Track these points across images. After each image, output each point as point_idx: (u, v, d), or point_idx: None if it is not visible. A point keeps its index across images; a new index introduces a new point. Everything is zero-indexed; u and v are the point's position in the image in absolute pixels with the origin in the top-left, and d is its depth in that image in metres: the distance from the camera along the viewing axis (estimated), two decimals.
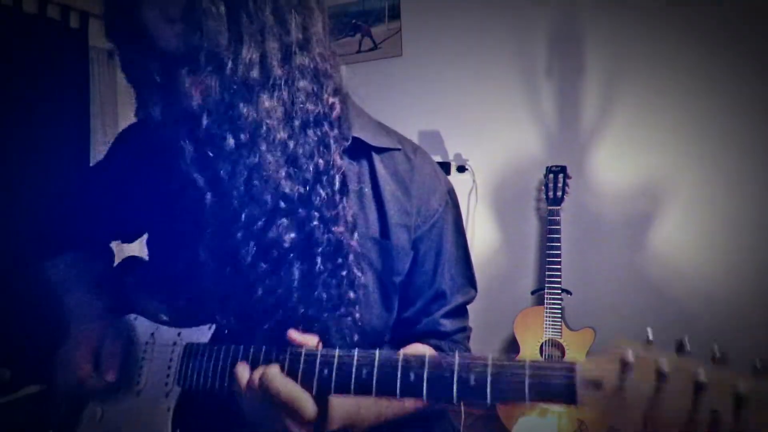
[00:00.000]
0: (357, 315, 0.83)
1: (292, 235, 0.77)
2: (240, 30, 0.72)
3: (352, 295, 0.82)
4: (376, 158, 0.91)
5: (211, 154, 0.74)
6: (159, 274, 0.97)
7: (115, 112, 3.71)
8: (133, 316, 0.96)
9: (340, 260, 0.81)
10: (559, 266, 2.45)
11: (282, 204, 0.76)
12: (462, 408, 2.73)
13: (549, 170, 2.59)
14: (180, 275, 0.85)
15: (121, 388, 0.91)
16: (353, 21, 3.20)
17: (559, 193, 2.54)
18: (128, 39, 0.75)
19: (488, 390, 0.62)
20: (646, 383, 0.55)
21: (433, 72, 3.03)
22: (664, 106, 2.57)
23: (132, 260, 1.10)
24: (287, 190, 0.76)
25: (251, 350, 0.76)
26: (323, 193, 0.79)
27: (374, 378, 0.67)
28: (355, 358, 0.69)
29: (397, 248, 0.89)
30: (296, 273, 0.79)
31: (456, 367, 0.64)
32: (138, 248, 1.27)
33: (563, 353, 2.40)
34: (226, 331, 0.83)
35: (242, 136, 0.73)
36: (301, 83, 0.77)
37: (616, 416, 0.56)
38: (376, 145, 0.91)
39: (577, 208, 2.72)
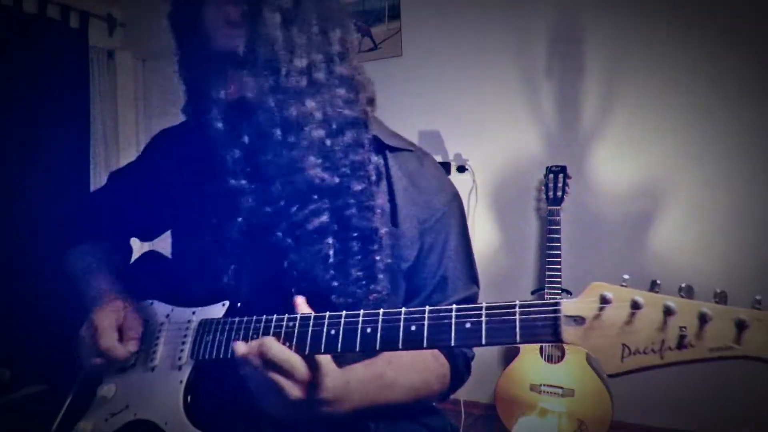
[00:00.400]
0: (384, 293, 0.92)
1: (323, 218, 0.87)
2: (292, 40, 0.83)
3: (381, 276, 0.91)
4: (390, 156, 0.99)
5: (260, 145, 0.84)
6: (180, 264, 1.04)
7: (115, 112, 3.71)
8: (149, 301, 1.01)
9: (376, 246, 0.90)
10: (559, 266, 2.45)
11: (315, 191, 0.87)
12: (462, 408, 2.73)
13: (549, 170, 2.59)
14: (201, 263, 0.93)
15: (136, 365, 0.95)
16: (353, 21, 3.20)
17: (559, 193, 2.54)
18: (190, 37, 0.86)
19: (483, 332, 0.68)
20: (622, 312, 0.63)
21: (433, 72, 3.03)
22: (664, 106, 2.57)
23: (151, 254, 1.16)
24: (320, 180, 0.86)
25: (263, 321, 0.83)
26: (359, 186, 0.89)
27: (378, 332, 0.74)
28: (361, 316, 0.76)
29: (406, 236, 0.95)
30: (330, 252, 0.88)
31: (453, 314, 0.71)
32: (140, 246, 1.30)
33: (563, 353, 2.40)
34: (239, 305, 0.91)
35: (288, 132, 0.84)
36: (340, 90, 0.88)
37: (597, 343, 0.63)
38: (392, 144, 0.99)
39: (577, 208, 2.72)
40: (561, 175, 2.55)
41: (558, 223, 2.48)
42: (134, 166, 1.18)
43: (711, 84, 2.48)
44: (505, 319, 0.68)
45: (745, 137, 2.44)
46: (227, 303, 0.91)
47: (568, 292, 2.53)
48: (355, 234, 0.89)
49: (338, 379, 0.79)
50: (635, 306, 0.62)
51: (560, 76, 2.77)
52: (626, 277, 0.65)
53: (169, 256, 1.12)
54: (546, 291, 2.47)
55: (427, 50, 3.05)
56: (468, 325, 0.69)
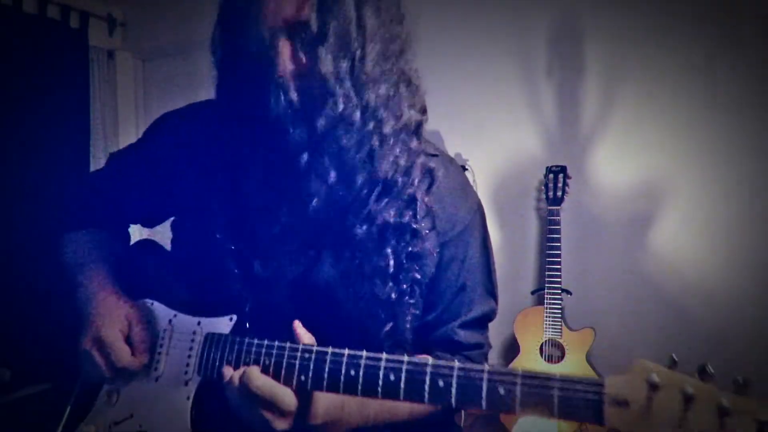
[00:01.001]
0: (418, 312, 0.90)
1: (393, 217, 0.83)
2: (365, 22, 0.78)
3: (419, 291, 0.88)
4: None
5: (333, 128, 0.78)
6: (185, 261, 0.99)
7: (115, 112, 3.71)
8: (149, 301, 0.97)
9: (417, 266, 0.87)
10: (559, 266, 2.45)
11: (388, 186, 0.83)
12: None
13: (549, 170, 2.59)
14: (212, 262, 0.88)
15: (138, 372, 0.91)
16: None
17: (559, 193, 2.53)
18: (246, 5, 0.78)
19: (517, 402, 0.64)
20: (672, 404, 0.57)
21: (433, 72, 3.02)
22: (664, 106, 2.57)
23: (148, 243, 1.10)
24: (390, 176, 0.83)
25: (274, 347, 0.78)
26: (416, 193, 0.86)
27: (402, 382, 0.69)
28: (383, 361, 0.71)
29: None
30: (390, 262, 0.84)
31: (485, 376, 0.66)
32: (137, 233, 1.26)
33: (563, 353, 2.40)
34: (247, 325, 0.86)
35: (367, 118, 0.80)
36: (404, 88, 0.85)
37: None
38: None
39: (577, 208, 2.72)
40: (561, 175, 2.55)
41: (558, 223, 2.48)
42: (139, 149, 1.09)
43: (711, 84, 2.48)
44: (542, 393, 0.63)
45: (745, 137, 2.43)
46: (234, 317, 0.87)
47: (568, 292, 2.53)
48: (409, 245, 0.86)
49: (331, 404, 0.77)
50: (687, 399, 0.57)
51: (560, 76, 2.76)
52: (675, 358, 0.60)
53: (170, 248, 1.06)
54: (546, 291, 2.46)
55: (427, 50, 3.03)
56: (501, 392, 0.65)
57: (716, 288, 2.45)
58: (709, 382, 0.58)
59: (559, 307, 2.44)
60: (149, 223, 1.15)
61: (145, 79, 3.85)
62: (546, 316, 2.45)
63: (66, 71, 3.26)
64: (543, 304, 2.48)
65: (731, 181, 2.47)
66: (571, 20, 2.73)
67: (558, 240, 2.46)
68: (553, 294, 2.45)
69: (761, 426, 0.53)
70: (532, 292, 2.80)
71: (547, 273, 2.47)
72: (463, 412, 2.71)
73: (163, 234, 1.11)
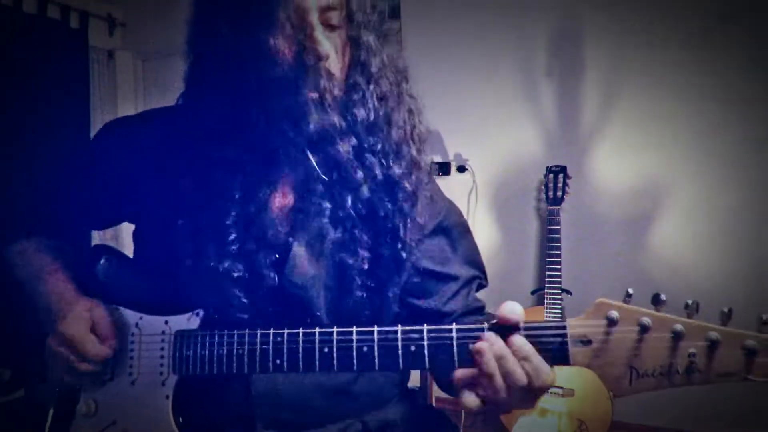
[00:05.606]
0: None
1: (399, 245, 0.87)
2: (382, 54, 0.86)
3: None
4: None
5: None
6: (147, 264, 0.97)
7: (115, 112, 3.71)
8: (113, 306, 0.94)
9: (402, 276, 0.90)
10: (559, 266, 2.45)
11: (394, 229, 0.86)
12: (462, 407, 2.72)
13: (549, 170, 2.59)
14: (175, 263, 0.87)
15: (113, 378, 0.90)
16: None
17: (559, 193, 2.54)
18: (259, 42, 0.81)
19: None
20: (630, 335, 0.63)
21: (433, 72, 3.03)
22: (663, 106, 2.57)
23: (103, 249, 1.03)
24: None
25: (245, 335, 0.79)
26: (417, 209, 0.89)
27: (375, 350, 0.71)
28: (354, 334, 0.73)
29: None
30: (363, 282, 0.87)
31: (454, 334, 0.68)
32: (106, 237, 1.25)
33: None
34: (216, 316, 0.85)
35: (395, 154, 0.86)
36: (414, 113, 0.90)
37: (605, 366, 0.63)
38: None
39: (577, 208, 2.72)
40: (561, 175, 2.55)
41: (558, 223, 2.48)
42: (89, 154, 1.07)
43: (710, 85, 2.48)
44: None
45: (744, 137, 2.44)
46: (201, 312, 0.87)
47: (568, 292, 2.53)
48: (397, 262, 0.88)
49: None
50: (643, 329, 0.62)
51: (560, 76, 2.76)
52: (630, 291, 0.64)
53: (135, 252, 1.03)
54: (546, 291, 2.47)
55: (427, 50, 3.05)
56: (471, 346, 0.67)
57: (715, 287, 2.45)
58: (661, 310, 0.63)
59: (559, 307, 2.44)
60: (100, 225, 1.15)
61: (145, 79, 3.85)
62: (546, 316, 2.45)
63: (66, 71, 3.26)
64: (543, 304, 2.48)
65: (731, 181, 2.47)
66: (571, 21, 2.73)
67: (558, 240, 2.46)
68: (553, 294, 2.45)
69: (749, 353, 0.58)
70: (532, 292, 2.80)
71: (547, 273, 2.47)
72: (463, 410, 2.71)
73: (126, 241, 1.06)
